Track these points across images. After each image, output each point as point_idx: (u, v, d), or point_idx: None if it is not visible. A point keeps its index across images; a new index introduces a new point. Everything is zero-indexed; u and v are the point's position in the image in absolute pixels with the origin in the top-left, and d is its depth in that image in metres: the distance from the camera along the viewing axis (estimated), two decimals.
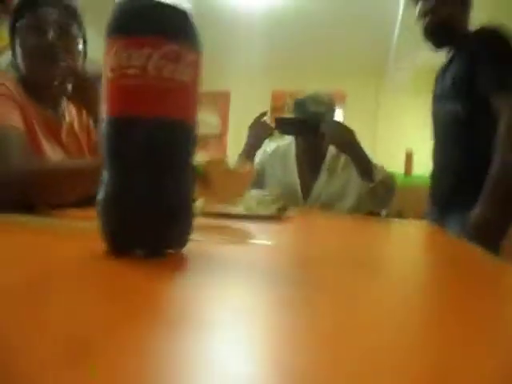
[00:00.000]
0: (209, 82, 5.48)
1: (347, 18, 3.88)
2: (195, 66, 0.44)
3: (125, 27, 0.42)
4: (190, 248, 0.46)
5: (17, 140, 0.87)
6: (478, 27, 1.40)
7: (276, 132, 1.61)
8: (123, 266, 0.37)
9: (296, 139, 1.71)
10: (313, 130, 1.54)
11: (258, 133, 1.62)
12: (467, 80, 1.36)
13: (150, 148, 0.42)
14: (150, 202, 0.41)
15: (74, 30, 1.06)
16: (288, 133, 1.66)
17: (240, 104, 5.48)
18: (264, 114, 1.68)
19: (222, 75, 5.27)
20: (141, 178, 0.42)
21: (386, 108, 5.10)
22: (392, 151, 4.98)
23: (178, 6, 0.43)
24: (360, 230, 0.98)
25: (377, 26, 3.93)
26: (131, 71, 0.41)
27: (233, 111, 5.58)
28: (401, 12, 3.32)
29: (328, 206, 1.64)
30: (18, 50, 1.05)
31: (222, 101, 5.60)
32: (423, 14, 1.48)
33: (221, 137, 5.61)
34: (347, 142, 1.51)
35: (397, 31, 3.68)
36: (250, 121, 1.66)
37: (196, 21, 0.45)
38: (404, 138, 4.98)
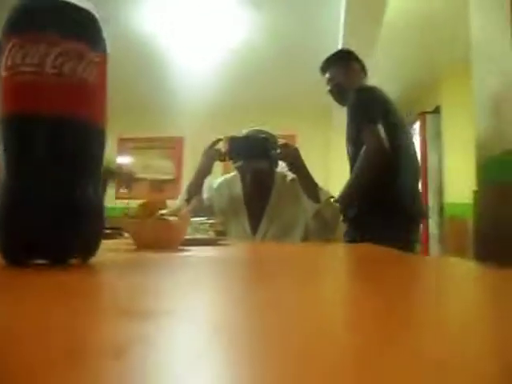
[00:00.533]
0: (162, 127, 5.52)
1: (293, 63, 4.07)
2: (99, 66, 0.43)
3: (21, 24, 0.41)
4: (101, 258, 0.43)
5: None
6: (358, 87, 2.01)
7: (227, 157, 1.59)
8: (15, 276, 0.34)
9: (242, 169, 1.70)
10: (265, 152, 1.55)
11: (209, 157, 1.61)
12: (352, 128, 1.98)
13: (49, 148, 0.40)
14: (50, 207, 0.39)
15: None
16: (240, 157, 1.63)
17: (195, 148, 5.50)
18: (218, 140, 1.67)
19: (175, 121, 5.32)
20: (39, 180, 0.39)
21: (336, 145, 5.28)
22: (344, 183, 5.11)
23: (80, 5, 0.42)
24: (301, 252, 0.97)
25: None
26: (28, 68, 0.40)
27: (188, 156, 5.59)
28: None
29: (277, 238, 1.62)
30: None
31: (176, 146, 5.61)
32: (327, 82, 2.18)
33: (176, 181, 5.57)
34: (297, 160, 1.55)
35: None
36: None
37: (105, 30, 0.45)
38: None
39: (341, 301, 0.23)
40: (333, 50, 2.20)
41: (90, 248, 0.42)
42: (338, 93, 2.14)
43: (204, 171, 1.64)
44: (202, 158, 1.67)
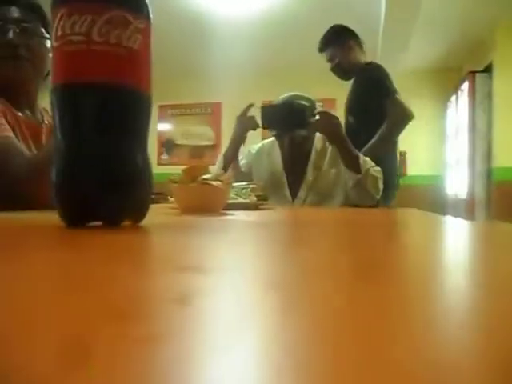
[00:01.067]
0: (201, 93, 5.53)
1: (333, 21, 3.92)
2: (144, 33, 0.44)
3: None
4: (150, 221, 0.45)
5: (14, 149, 0.90)
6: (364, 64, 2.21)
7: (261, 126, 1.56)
8: (76, 236, 0.36)
9: (279, 137, 1.70)
10: (301, 121, 1.51)
11: (242, 125, 1.61)
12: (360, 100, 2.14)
13: (99, 115, 0.41)
14: (103, 169, 0.41)
15: (38, 27, 1.05)
16: (274, 126, 1.60)
17: (232, 114, 5.50)
18: (251, 105, 1.65)
19: (214, 87, 5.30)
20: (92, 146, 0.41)
21: None
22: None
23: None
24: (343, 215, 0.97)
25: (362, 31, 3.97)
26: (76, 38, 0.41)
27: (226, 121, 5.59)
28: (383, 16, 3.35)
29: (316, 205, 1.62)
30: None
31: (214, 112, 5.62)
32: (327, 61, 2.32)
33: (215, 147, 5.62)
34: (337, 132, 1.51)
35: (380, 35, 3.71)
36: None
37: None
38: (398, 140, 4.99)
39: (385, 263, 0.23)
40: (377, 12, 2.13)
41: (141, 211, 0.44)
42: (340, 71, 2.30)
43: (237, 140, 1.64)
44: (235, 126, 1.66)
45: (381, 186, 1.56)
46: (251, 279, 0.17)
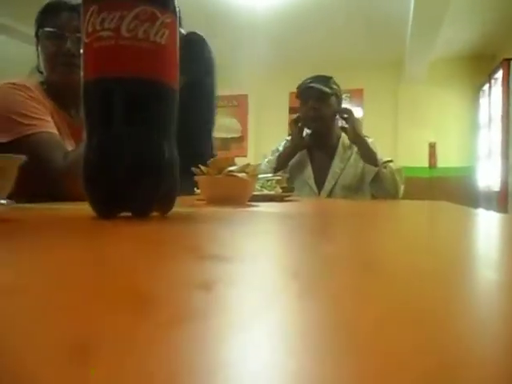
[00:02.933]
0: (227, 85, 5.53)
1: (361, 12, 3.85)
2: (171, 27, 0.45)
3: None
4: (177, 212, 0.46)
5: (57, 144, 0.96)
6: None
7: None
8: (107, 227, 0.38)
9: (306, 124, 1.70)
10: (326, 79, 1.61)
11: (296, 146, 1.68)
12: None
13: (128, 109, 0.43)
14: (132, 162, 0.42)
15: None
16: (304, 93, 1.66)
17: (259, 105, 5.49)
18: (298, 119, 1.71)
19: (240, 78, 5.30)
20: (121, 139, 0.42)
21: (405, 101, 5.00)
22: (414, 144, 4.89)
23: None
24: (370, 207, 0.96)
25: (390, 19, 3.88)
26: (105, 34, 0.42)
27: (252, 113, 5.59)
28: (413, 2, 3.27)
29: (343, 198, 1.62)
30: (41, 55, 1.09)
31: (240, 103, 5.63)
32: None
33: (241, 139, 5.64)
34: (359, 130, 1.59)
35: (410, 22, 3.62)
36: (269, 122, 1.72)
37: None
38: (426, 130, 4.88)
39: (410, 254, 0.24)
40: (404, 3, 2.05)
41: (168, 202, 0.45)
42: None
43: (288, 158, 1.69)
44: (291, 139, 1.72)
45: (399, 179, 1.57)
46: (273, 268, 0.17)
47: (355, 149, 1.65)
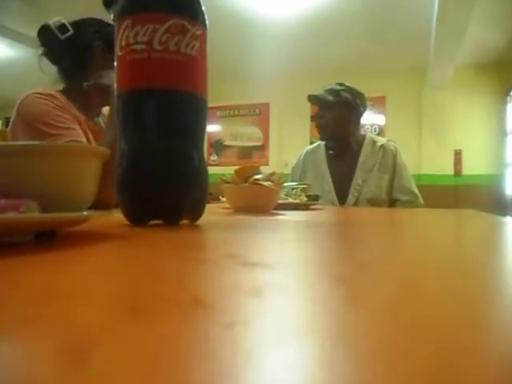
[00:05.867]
0: (248, 94, 5.58)
1: (383, 18, 3.83)
2: (201, 39, 0.46)
3: (130, 7, 0.44)
4: (205, 220, 0.47)
5: None
6: None
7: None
8: (144, 234, 0.38)
9: (320, 129, 1.67)
10: (334, 91, 1.58)
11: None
12: None
13: (160, 119, 0.44)
14: (164, 171, 0.43)
15: None
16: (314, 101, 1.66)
17: (280, 114, 5.50)
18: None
19: (261, 87, 5.33)
20: (153, 149, 0.43)
21: (429, 107, 4.93)
22: (439, 151, 4.80)
23: None
24: (396, 216, 0.95)
25: (413, 23, 3.85)
26: (138, 47, 0.43)
27: (274, 121, 5.60)
28: (437, 6, 3.23)
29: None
30: (90, 66, 1.11)
31: (262, 112, 5.65)
32: None
33: (263, 148, 5.65)
34: None
35: (434, 26, 3.58)
36: (291, 130, 1.71)
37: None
38: (451, 137, 4.79)
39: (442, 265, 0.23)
40: (427, 8, 2.01)
41: (198, 210, 0.46)
42: None
43: None
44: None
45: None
46: (317, 274, 0.18)
47: (379, 158, 1.60)
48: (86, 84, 1.06)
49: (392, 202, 1.59)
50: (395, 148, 1.62)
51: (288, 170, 1.84)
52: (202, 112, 0.47)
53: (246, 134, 5.76)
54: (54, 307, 0.12)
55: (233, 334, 0.10)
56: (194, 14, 0.46)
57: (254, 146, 5.74)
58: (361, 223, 0.63)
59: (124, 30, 0.44)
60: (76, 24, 1.12)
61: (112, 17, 0.47)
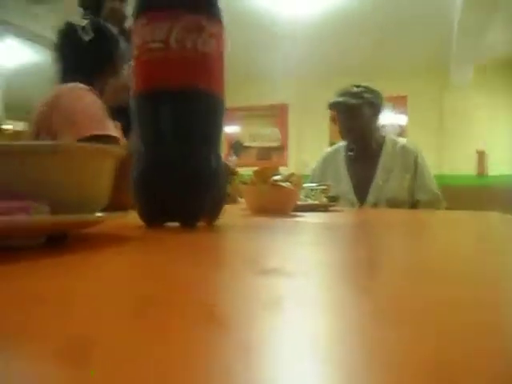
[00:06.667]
0: (267, 95, 5.56)
1: (403, 16, 3.77)
2: (218, 37, 0.45)
3: (144, 4, 0.44)
4: (223, 222, 0.46)
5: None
6: None
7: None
8: (159, 237, 0.38)
9: (345, 133, 1.64)
10: (354, 93, 1.56)
11: None
12: None
13: (177, 119, 0.43)
14: (181, 172, 0.42)
15: None
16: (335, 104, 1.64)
17: (299, 115, 5.48)
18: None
19: (280, 88, 5.31)
20: (170, 149, 0.42)
21: (451, 107, 4.83)
22: (461, 152, 4.70)
23: None
24: (417, 218, 0.93)
25: (435, 22, 3.78)
26: (154, 45, 0.42)
27: (292, 122, 5.58)
28: (459, 6, 3.16)
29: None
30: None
31: (281, 113, 5.64)
32: None
33: (282, 149, 5.63)
34: None
35: (456, 26, 3.50)
36: (310, 131, 1.69)
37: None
38: (473, 137, 4.69)
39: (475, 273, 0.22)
40: (449, 7, 1.97)
41: (215, 212, 0.45)
42: None
43: None
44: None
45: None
46: (339, 283, 0.16)
47: (400, 157, 1.57)
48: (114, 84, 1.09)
49: (413, 203, 1.56)
50: (416, 148, 1.60)
51: (307, 171, 1.82)
52: (219, 111, 0.46)
53: (266, 134, 5.76)
54: (59, 312, 0.11)
55: (249, 352, 0.09)
56: (211, 11, 0.45)
57: (272, 147, 5.73)
58: (382, 225, 0.61)
59: (140, 29, 0.44)
60: (96, 28, 1.14)
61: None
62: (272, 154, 5.73)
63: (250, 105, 5.66)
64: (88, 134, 0.93)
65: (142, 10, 0.44)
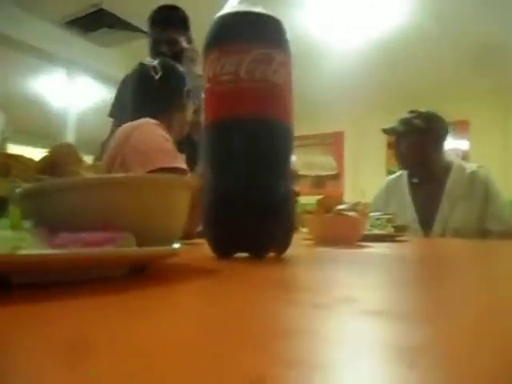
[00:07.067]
0: (322, 123, 5.56)
1: (466, 38, 3.66)
2: (285, 67, 0.45)
3: (215, 40, 0.45)
4: (290, 252, 0.45)
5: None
6: None
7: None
8: (226, 268, 0.37)
9: (406, 163, 1.59)
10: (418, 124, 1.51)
11: None
12: None
13: (247, 149, 0.43)
14: (251, 202, 0.41)
15: None
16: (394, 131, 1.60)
17: (355, 142, 5.41)
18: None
19: (335, 116, 5.29)
20: (241, 179, 0.42)
21: None
22: None
23: (266, 13, 0.45)
24: (492, 249, 0.86)
25: (499, 43, 3.63)
26: (225, 78, 0.43)
27: (348, 150, 5.52)
28: None
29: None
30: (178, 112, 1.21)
31: (336, 141, 5.60)
32: None
33: (337, 177, 5.56)
34: None
35: None
36: (367, 158, 1.66)
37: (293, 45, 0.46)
38: None
39: None
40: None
41: (285, 243, 0.44)
42: None
43: None
44: None
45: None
46: (468, 330, 0.14)
47: (466, 183, 1.48)
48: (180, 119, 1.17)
49: (483, 233, 1.45)
50: (487, 174, 1.50)
51: (365, 199, 1.77)
52: (289, 138, 0.45)
53: (320, 163, 5.72)
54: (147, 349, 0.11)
55: None
56: (280, 43, 0.45)
57: (327, 175, 5.67)
58: (458, 259, 0.56)
59: (211, 62, 0.44)
60: (165, 67, 1.20)
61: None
62: (327, 183, 5.67)
63: (303, 134, 5.67)
64: (157, 167, 0.97)
65: (213, 45, 0.45)
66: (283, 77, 0.44)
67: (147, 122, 1.08)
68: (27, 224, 0.21)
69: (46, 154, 0.39)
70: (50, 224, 0.22)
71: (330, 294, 0.21)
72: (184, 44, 1.51)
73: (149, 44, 1.54)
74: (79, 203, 0.22)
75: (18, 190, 0.24)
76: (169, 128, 1.14)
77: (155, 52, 1.49)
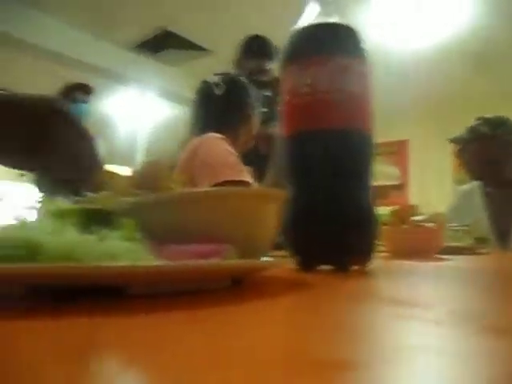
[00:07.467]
0: (386, 131, 5.40)
1: None
2: (364, 76, 0.44)
3: (292, 53, 0.45)
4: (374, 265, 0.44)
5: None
6: None
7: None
8: (315, 281, 0.37)
9: (481, 174, 1.50)
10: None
11: None
12: None
13: (328, 159, 0.42)
14: (334, 214, 0.41)
15: None
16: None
17: (420, 151, 5.21)
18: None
19: (399, 124, 5.14)
20: (323, 191, 0.42)
21: None
22: None
23: (342, 23, 0.44)
24: None
25: None
26: (302, 90, 0.43)
27: (413, 159, 5.32)
28: None
29: None
30: (244, 130, 1.24)
31: (400, 150, 5.42)
32: None
33: (401, 187, 5.37)
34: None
35: None
36: (433, 168, 1.59)
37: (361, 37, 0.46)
38: None
39: None
40: None
41: (368, 255, 0.43)
42: None
43: None
44: None
45: None
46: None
47: None
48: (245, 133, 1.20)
49: None
50: None
51: (431, 210, 1.68)
52: (369, 148, 0.45)
53: (383, 172, 5.56)
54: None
55: None
56: (357, 52, 0.45)
57: (391, 185, 5.49)
58: None
59: (289, 76, 0.45)
60: (227, 82, 1.23)
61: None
62: (390, 193, 5.48)
63: None
64: (222, 180, 0.99)
65: (291, 57, 0.45)
66: (362, 86, 0.44)
67: (212, 136, 1.12)
68: (139, 236, 0.22)
69: (138, 170, 0.41)
70: (156, 236, 0.23)
71: (440, 308, 0.20)
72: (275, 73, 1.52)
73: (241, 71, 1.50)
74: (186, 216, 0.23)
75: (123, 204, 0.26)
76: (234, 141, 1.16)
77: (252, 81, 1.44)
